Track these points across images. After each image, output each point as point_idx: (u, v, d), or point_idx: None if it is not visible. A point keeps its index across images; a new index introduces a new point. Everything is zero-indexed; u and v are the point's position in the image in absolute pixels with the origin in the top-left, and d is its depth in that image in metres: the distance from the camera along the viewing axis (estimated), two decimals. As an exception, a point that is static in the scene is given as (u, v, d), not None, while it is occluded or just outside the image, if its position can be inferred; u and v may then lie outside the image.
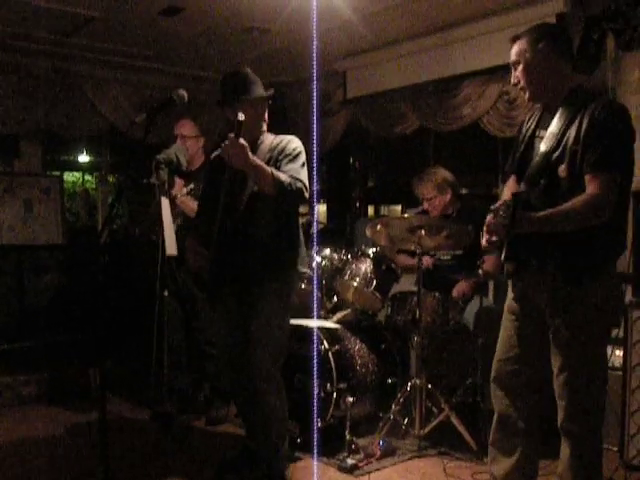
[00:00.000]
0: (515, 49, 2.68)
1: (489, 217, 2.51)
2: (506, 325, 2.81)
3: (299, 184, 3.04)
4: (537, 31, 2.67)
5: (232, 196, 3.18)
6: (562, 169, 2.49)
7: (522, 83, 2.67)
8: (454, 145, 6.04)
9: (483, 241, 2.63)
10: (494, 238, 2.52)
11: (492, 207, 2.51)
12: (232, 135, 2.96)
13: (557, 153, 2.53)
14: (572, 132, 2.50)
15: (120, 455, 3.62)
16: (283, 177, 3.00)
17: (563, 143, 2.52)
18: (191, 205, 4.16)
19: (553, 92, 2.64)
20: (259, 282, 3.17)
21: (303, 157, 3.18)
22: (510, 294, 2.81)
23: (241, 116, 2.99)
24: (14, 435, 4.08)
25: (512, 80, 2.73)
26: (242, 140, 2.95)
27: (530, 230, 2.44)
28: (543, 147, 2.59)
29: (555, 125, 2.58)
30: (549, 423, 2.71)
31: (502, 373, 2.79)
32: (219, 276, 3.20)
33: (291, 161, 3.12)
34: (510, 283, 2.82)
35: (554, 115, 2.61)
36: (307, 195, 3.09)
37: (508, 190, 2.87)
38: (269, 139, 3.27)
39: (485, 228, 2.53)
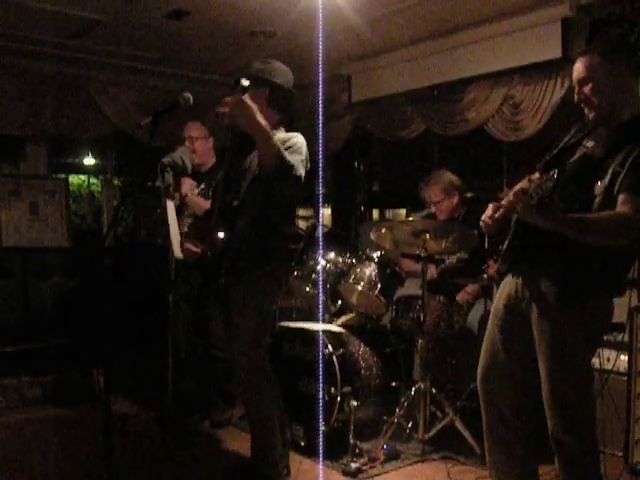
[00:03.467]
0: (585, 63, 2.49)
1: (516, 193, 2.32)
2: (492, 327, 2.77)
3: (298, 172, 2.95)
4: (611, 45, 2.53)
5: (228, 190, 3.16)
6: (599, 187, 2.40)
7: (590, 103, 2.51)
8: (459, 149, 6.03)
9: (488, 214, 2.55)
10: (512, 211, 2.40)
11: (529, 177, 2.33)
12: (238, 94, 2.85)
13: (598, 169, 2.43)
14: (620, 156, 2.40)
15: (124, 457, 3.62)
16: (288, 155, 2.91)
17: (606, 163, 2.42)
18: (202, 204, 4.18)
19: (613, 113, 2.50)
20: (241, 273, 3.13)
21: (304, 154, 3.08)
22: (497, 297, 2.78)
23: (244, 82, 2.91)
24: (19, 437, 4.09)
25: (576, 98, 2.56)
26: (248, 99, 2.85)
27: (549, 224, 2.31)
28: (583, 156, 2.51)
29: (606, 142, 2.49)
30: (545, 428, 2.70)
31: (487, 378, 2.76)
32: (213, 267, 3.18)
33: (292, 153, 3.01)
34: (497, 286, 2.81)
35: (609, 133, 2.52)
36: (300, 186, 3.01)
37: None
38: (277, 135, 3.12)
39: (511, 195, 2.37)
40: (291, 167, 2.89)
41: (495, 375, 2.73)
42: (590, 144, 2.55)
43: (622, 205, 2.35)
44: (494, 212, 2.54)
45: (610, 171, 2.39)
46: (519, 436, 2.72)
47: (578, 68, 2.53)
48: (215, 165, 4.39)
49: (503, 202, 2.44)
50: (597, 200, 2.40)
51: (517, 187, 2.36)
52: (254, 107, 2.85)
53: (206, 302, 4.26)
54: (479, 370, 2.80)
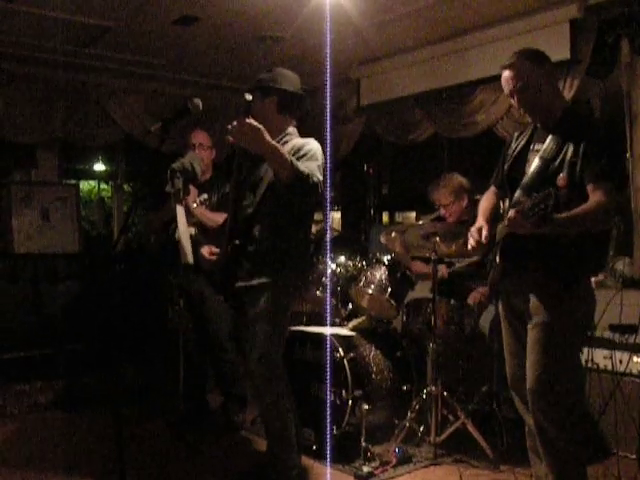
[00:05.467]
0: (519, 72, 2.69)
1: (512, 212, 2.47)
2: (504, 333, 2.92)
3: (316, 178, 2.96)
4: (534, 53, 2.74)
5: (243, 197, 3.20)
6: (561, 178, 2.57)
7: (533, 107, 2.73)
8: (468, 152, 6.02)
9: (474, 237, 2.75)
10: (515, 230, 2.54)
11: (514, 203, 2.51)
12: (239, 117, 2.89)
13: (555, 164, 2.62)
14: (571, 146, 2.60)
15: (136, 462, 3.63)
16: (302, 166, 2.92)
17: (561, 156, 2.62)
18: (209, 216, 4.20)
19: (551, 110, 2.73)
20: (257, 280, 3.15)
21: (320, 159, 3.10)
22: (502, 304, 2.92)
23: (248, 96, 2.95)
24: (31, 441, 4.11)
25: (517, 106, 2.76)
26: (253, 120, 2.87)
27: (546, 230, 2.46)
28: (540, 159, 2.68)
29: (553, 139, 2.68)
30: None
31: (514, 380, 2.86)
32: (227, 276, 3.22)
33: (308, 160, 3.04)
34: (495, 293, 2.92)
35: (551, 130, 2.71)
36: (320, 191, 3.03)
37: (486, 201, 3.02)
38: (293, 142, 3.19)
39: (507, 222, 2.52)
40: (307, 177, 2.90)
41: (520, 376, 2.79)
42: (538, 146, 2.74)
43: (594, 193, 2.52)
44: (480, 234, 2.74)
45: (567, 163, 2.59)
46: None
47: (513, 78, 2.70)
48: (213, 176, 4.43)
49: (505, 223, 2.56)
50: (563, 192, 2.55)
51: (511, 213, 2.48)
52: (260, 127, 2.86)
53: (210, 306, 4.26)
54: (508, 375, 2.92)
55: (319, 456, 3.67)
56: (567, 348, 2.66)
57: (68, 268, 5.74)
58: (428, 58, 5.29)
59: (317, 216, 4.77)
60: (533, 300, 2.68)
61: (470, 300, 4.20)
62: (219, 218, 4.07)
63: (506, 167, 2.89)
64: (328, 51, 3.61)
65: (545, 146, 2.69)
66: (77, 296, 5.70)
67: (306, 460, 3.55)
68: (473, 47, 4.94)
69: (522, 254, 2.66)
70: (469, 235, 2.82)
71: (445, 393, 3.80)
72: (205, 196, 4.31)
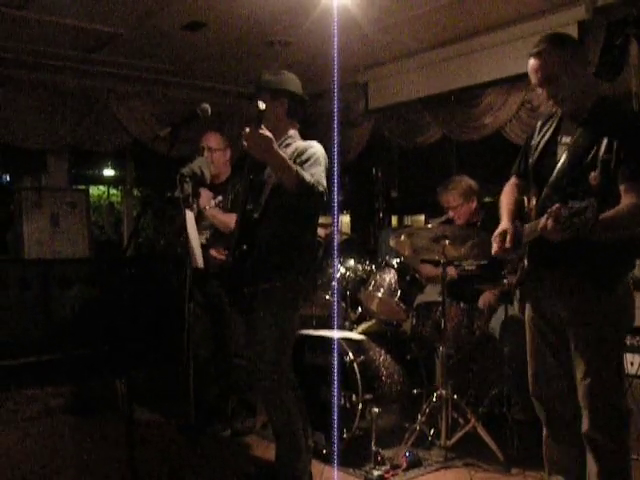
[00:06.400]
0: (542, 63, 2.55)
1: (549, 221, 2.25)
2: (530, 337, 2.82)
3: (321, 187, 2.99)
4: (562, 38, 2.59)
5: (250, 200, 3.22)
6: (593, 177, 2.44)
7: (558, 98, 2.57)
8: (476, 154, 6.01)
9: (497, 242, 2.64)
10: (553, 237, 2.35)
11: (549, 211, 2.27)
12: (252, 126, 2.90)
13: (587, 160, 2.48)
14: (604, 142, 2.45)
15: (146, 467, 3.63)
16: (307, 176, 2.93)
17: (593, 152, 2.47)
18: (220, 217, 4.21)
19: (581, 99, 2.58)
20: (263, 284, 3.15)
21: (324, 163, 3.12)
22: (528, 305, 2.83)
23: (261, 105, 2.95)
24: (42, 446, 4.12)
25: (543, 96, 2.61)
26: (265, 130, 2.89)
27: (595, 236, 2.30)
28: (570, 154, 2.55)
29: (583, 132, 2.53)
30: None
31: (537, 387, 2.80)
32: (236, 279, 3.23)
33: (313, 165, 3.06)
34: (519, 294, 2.84)
35: (581, 122, 2.57)
36: (325, 199, 3.05)
37: (509, 196, 2.89)
38: (295, 144, 3.21)
39: (540, 230, 2.34)
40: (312, 187, 2.91)
41: (547, 378, 2.76)
42: (567, 139, 2.59)
43: (626, 195, 2.40)
44: (503, 238, 2.62)
45: (599, 159, 2.44)
46: (572, 439, 2.73)
47: (540, 67, 2.55)
48: (230, 177, 4.43)
49: (538, 230, 2.38)
50: (595, 189, 2.43)
51: (545, 222, 2.30)
52: (271, 138, 2.88)
53: (227, 311, 4.28)
54: (530, 381, 2.84)
55: (330, 460, 3.67)
56: (615, 351, 2.57)
57: (78, 273, 5.75)
58: (436, 61, 5.29)
59: (326, 220, 4.78)
60: (572, 306, 2.58)
61: (480, 303, 4.19)
62: (230, 220, 4.08)
63: (532, 160, 2.74)
64: (335, 55, 3.61)
65: (575, 139, 2.55)
66: (87, 301, 5.72)
67: (317, 464, 3.55)
68: (481, 50, 4.94)
69: (553, 257, 2.54)
70: (492, 240, 2.70)
71: (455, 396, 3.79)
72: (220, 198, 4.32)
